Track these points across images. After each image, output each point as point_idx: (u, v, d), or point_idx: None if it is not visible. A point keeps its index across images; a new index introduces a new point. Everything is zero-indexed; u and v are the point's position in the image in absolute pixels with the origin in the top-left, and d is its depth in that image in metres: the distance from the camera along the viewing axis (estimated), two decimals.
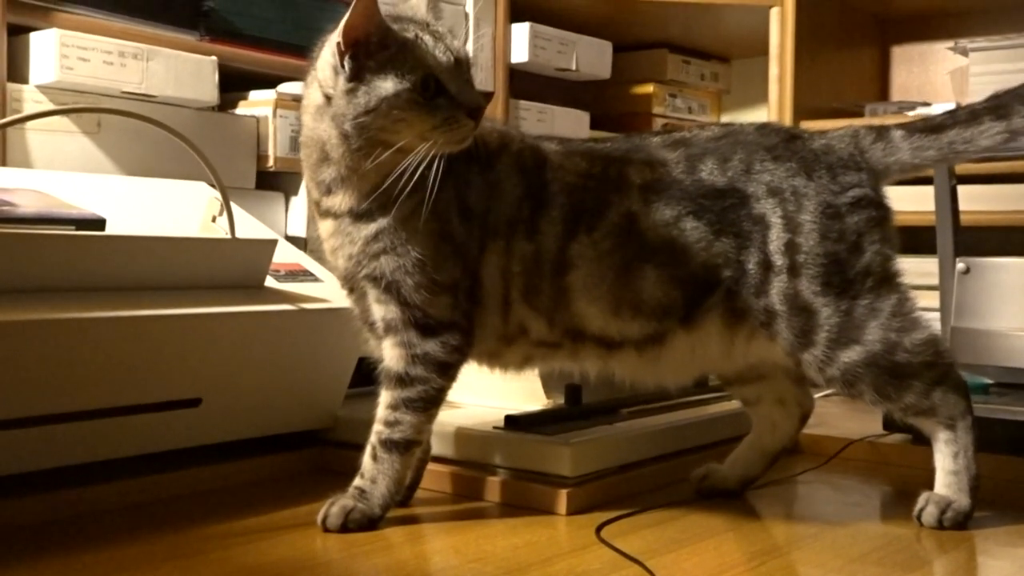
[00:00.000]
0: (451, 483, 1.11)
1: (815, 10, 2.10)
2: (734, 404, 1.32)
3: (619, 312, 0.98)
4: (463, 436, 1.12)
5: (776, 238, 0.97)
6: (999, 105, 1.01)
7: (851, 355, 0.97)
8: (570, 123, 2.13)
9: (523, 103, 2.05)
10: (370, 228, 0.95)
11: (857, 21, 2.27)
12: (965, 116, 1.02)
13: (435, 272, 0.94)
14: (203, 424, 1.09)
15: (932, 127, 1.02)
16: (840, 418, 1.50)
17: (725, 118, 2.59)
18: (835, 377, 0.98)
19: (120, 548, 0.90)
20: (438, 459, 1.12)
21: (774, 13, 2.09)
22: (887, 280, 0.99)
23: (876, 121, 2.07)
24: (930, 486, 1.02)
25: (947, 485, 0.99)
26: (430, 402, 0.97)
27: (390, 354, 0.97)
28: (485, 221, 0.97)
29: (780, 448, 1.13)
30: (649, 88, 2.37)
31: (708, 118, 2.54)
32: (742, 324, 0.99)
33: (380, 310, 0.97)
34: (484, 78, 1.98)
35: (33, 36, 1.37)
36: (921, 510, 1.00)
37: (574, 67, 2.10)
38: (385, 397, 0.97)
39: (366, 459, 0.98)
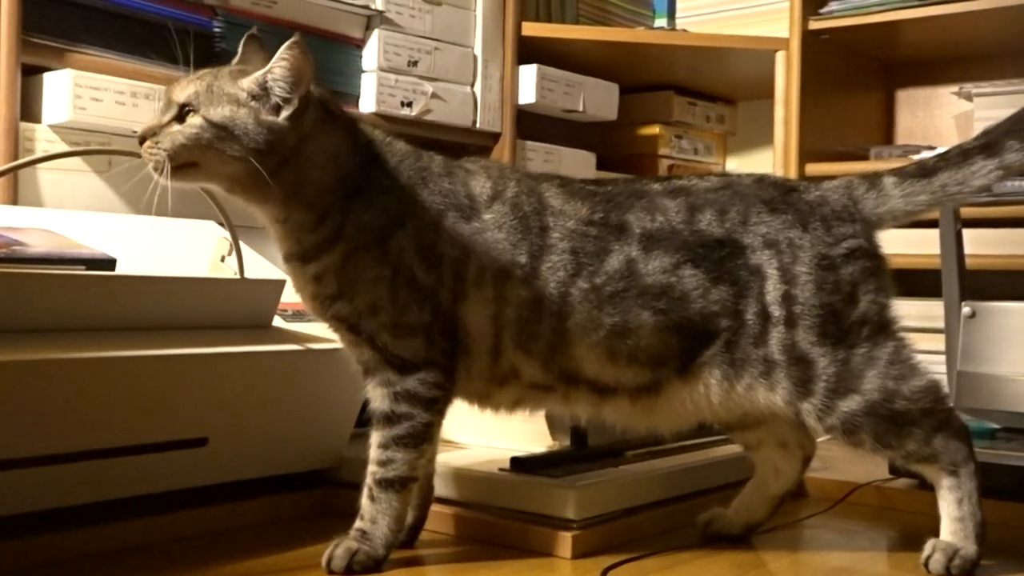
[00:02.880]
0: (456, 525, 1.11)
1: (821, 54, 2.12)
2: (739, 448, 1.32)
3: (615, 359, 0.98)
4: (468, 478, 1.12)
5: (773, 289, 0.97)
6: (989, 143, 1.01)
7: (850, 404, 0.97)
8: (577, 164, 2.15)
9: (530, 144, 2.06)
10: (313, 268, 0.97)
11: (862, 65, 2.29)
12: (956, 157, 1.02)
13: (398, 316, 0.96)
14: (209, 464, 1.09)
15: (923, 171, 1.02)
16: (845, 462, 1.49)
17: (731, 160, 2.61)
18: (835, 426, 0.98)
19: None
20: (443, 500, 1.12)
21: (780, 57, 2.11)
22: (883, 328, 0.99)
23: (881, 165, 2.08)
24: (937, 532, 1.01)
25: (953, 532, 0.99)
26: (420, 438, 0.97)
27: (374, 394, 0.98)
28: (463, 268, 0.97)
29: (784, 492, 1.12)
30: (655, 129, 2.39)
31: (714, 160, 2.56)
32: (741, 375, 0.98)
33: (355, 352, 0.99)
34: (492, 119, 1.99)
35: (47, 76, 1.39)
36: (928, 557, 0.99)
37: (581, 108, 2.12)
38: (376, 437, 0.98)
39: (364, 501, 0.98)
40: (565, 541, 1.04)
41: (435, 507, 1.11)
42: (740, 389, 0.99)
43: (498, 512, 1.09)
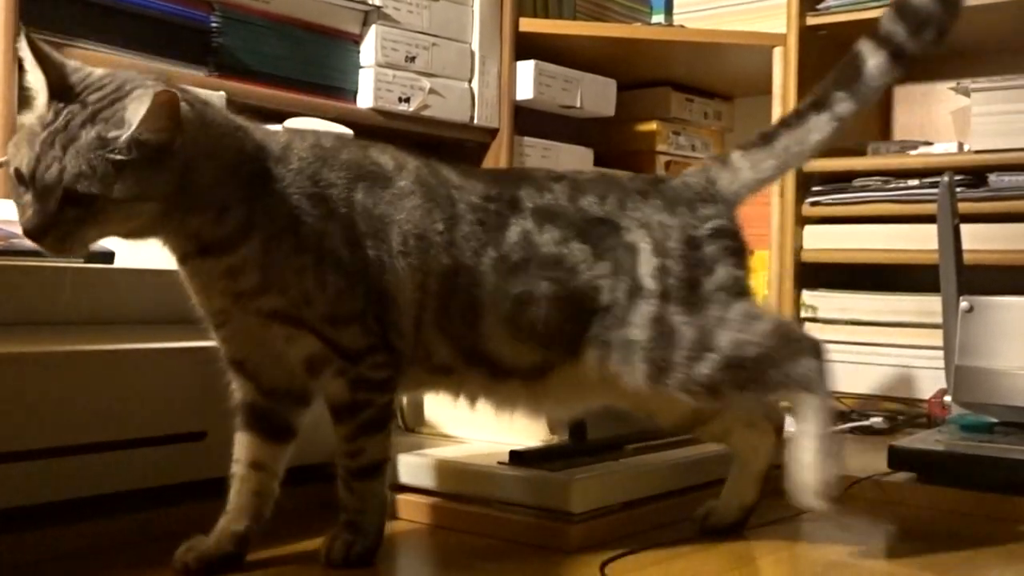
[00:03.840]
0: (455, 519, 1.11)
1: (818, 50, 2.12)
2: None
3: (518, 334, 0.99)
4: (467, 472, 1.12)
5: (647, 263, 1.01)
6: (818, 99, 1.06)
7: (708, 365, 0.99)
8: (574, 160, 2.15)
9: (527, 140, 2.06)
10: (227, 260, 0.92)
11: None
12: (792, 119, 1.08)
13: (332, 307, 0.94)
14: (208, 457, 1.09)
15: (765, 139, 1.07)
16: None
17: None
18: (699, 392, 1.00)
19: None
20: (442, 494, 1.12)
21: (777, 52, 2.11)
22: (739, 294, 1.03)
23: (879, 161, 2.08)
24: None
25: (811, 450, 1.00)
26: (385, 419, 0.97)
27: (333, 385, 0.96)
28: (387, 236, 0.96)
29: (767, 466, 1.13)
30: (653, 126, 2.39)
31: (711, 155, 2.56)
32: (610, 355, 1.00)
33: (294, 348, 0.95)
34: (489, 115, 1.99)
35: None
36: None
37: (579, 104, 2.12)
38: (341, 430, 0.96)
39: (343, 494, 0.97)
40: (565, 534, 1.04)
41: (434, 501, 1.11)
42: (611, 370, 1.00)
43: (497, 506, 1.09)
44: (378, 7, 1.80)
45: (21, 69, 1.36)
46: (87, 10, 1.44)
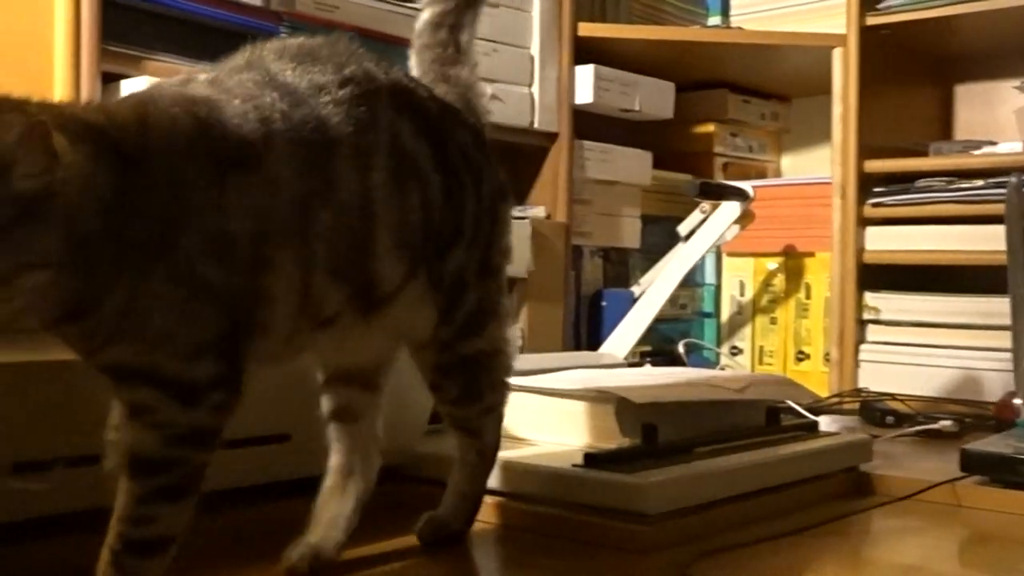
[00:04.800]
0: (528, 520, 1.12)
1: (878, 50, 2.11)
2: (808, 444, 1.33)
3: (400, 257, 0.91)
4: (540, 473, 1.14)
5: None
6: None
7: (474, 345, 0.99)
8: (633, 163, 2.16)
9: (587, 143, 2.08)
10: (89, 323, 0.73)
11: (920, 60, 2.28)
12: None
13: (192, 336, 0.75)
14: (292, 459, 1.12)
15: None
16: (912, 458, 1.50)
17: (785, 157, 2.60)
18: (452, 364, 0.98)
19: None
20: (514, 496, 1.14)
21: (837, 53, 2.10)
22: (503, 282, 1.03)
23: (940, 161, 2.07)
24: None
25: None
26: (194, 484, 0.78)
27: (140, 437, 0.75)
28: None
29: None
30: (710, 128, 2.39)
31: (768, 157, 2.56)
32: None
33: (126, 394, 0.76)
34: (548, 119, 2.01)
35: (124, 83, 1.43)
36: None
37: (637, 107, 2.13)
38: (132, 487, 0.75)
39: (105, 568, 0.76)
40: (640, 535, 1.05)
41: (506, 502, 1.13)
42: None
43: (571, 507, 1.10)
44: None
45: (107, 82, 1.40)
46: (163, 23, 1.48)
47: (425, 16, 1.05)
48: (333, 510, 0.99)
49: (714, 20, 2.47)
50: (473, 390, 1.01)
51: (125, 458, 0.76)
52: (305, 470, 1.13)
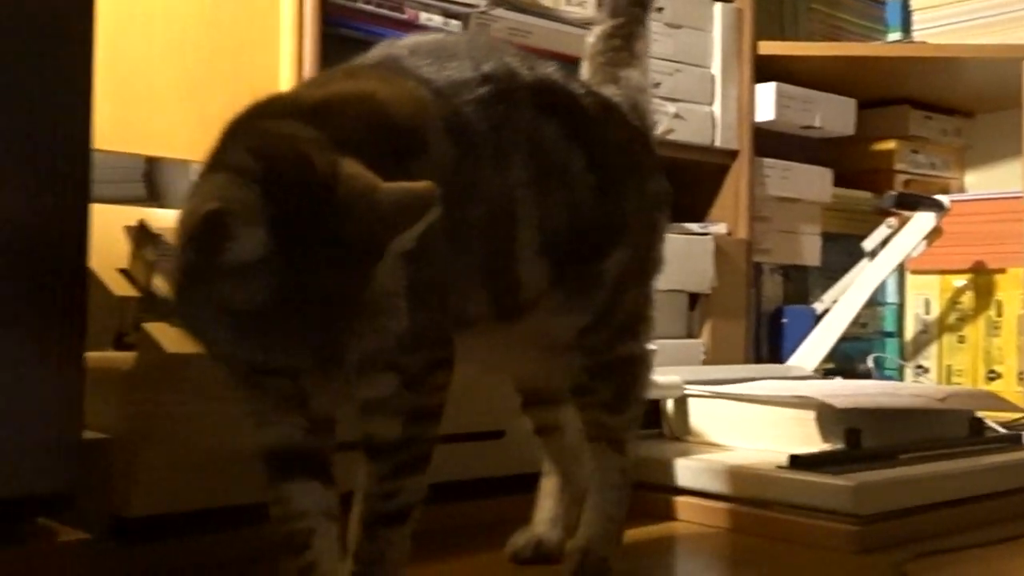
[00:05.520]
0: (733, 520, 1.16)
1: None
2: (1014, 455, 1.31)
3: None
4: (745, 475, 1.17)
5: None
6: None
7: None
8: (814, 180, 2.16)
9: (767, 160, 2.09)
10: None
11: None
12: None
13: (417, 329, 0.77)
14: (505, 456, 1.18)
15: None
16: None
17: (969, 174, 2.55)
18: (606, 366, 0.96)
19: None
20: (720, 497, 1.17)
21: None
22: None
23: None
24: None
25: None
26: (429, 456, 0.84)
27: (380, 424, 0.81)
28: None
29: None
30: (891, 144, 2.37)
31: (951, 174, 2.51)
32: None
33: (366, 390, 0.80)
34: (729, 137, 2.04)
35: None
36: None
37: (818, 124, 2.13)
38: (377, 468, 0.81)
39: (360, 541, 0.81)
40: (849, 536, 1.07)
41: (711, 504, 1.16)
42: None
43: (778, 508, 1.13)
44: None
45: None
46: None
47: (600, 29, 1.08)
48: (551, 509, 1.04)
49: (894, 36, 2.44)
50: (626, 395, 0.98)
51: (365, 447, 0.81)
52: (518, 467, 1.20)
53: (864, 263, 2.07)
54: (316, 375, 0.70)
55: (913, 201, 2.04)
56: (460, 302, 0.84)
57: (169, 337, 0.95)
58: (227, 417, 0.91)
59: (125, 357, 0.98)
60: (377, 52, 0.88)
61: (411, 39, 0.89)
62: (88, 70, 0.82)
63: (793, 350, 1.93)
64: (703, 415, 1.36)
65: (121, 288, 1.05)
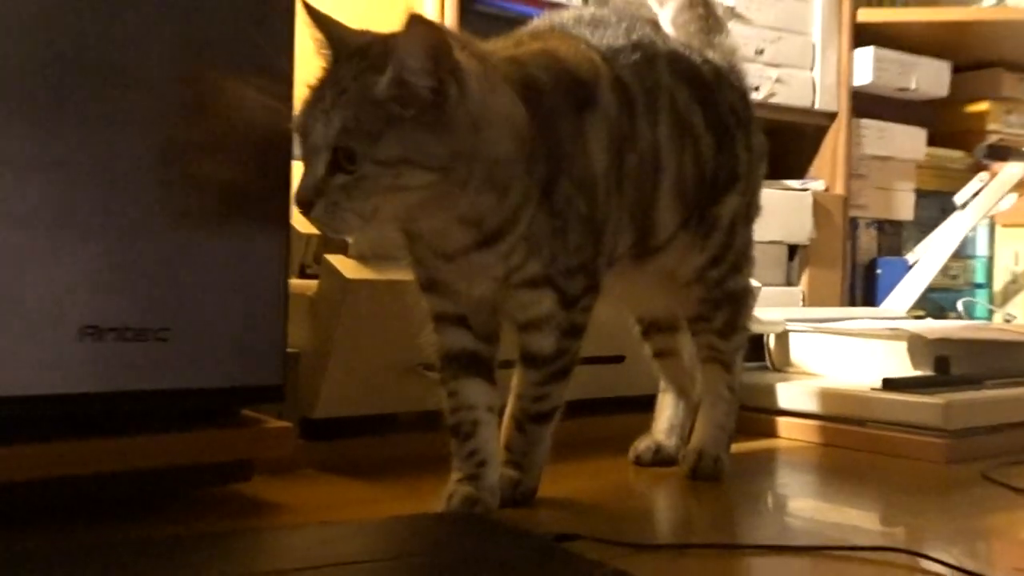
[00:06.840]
0: (832, 437, 1.29)
1: None
2: None
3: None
4: (841, 396, 1.30)
5: None
6: None
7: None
8: (908, 140, 2.26)
9: (864, 121, 2.20)
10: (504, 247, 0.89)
11: None
12: None
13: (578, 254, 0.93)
14: (625, 379, 1.33)
15: None
16: None
17: None
18: (720, 298, 1.09)
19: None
20: (818, 416, 1.31)
21: None
22: None
23: None
24: None
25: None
26: (574, 366, 0.97)
27: (541, 340, 0.94)
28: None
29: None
30: (984, 106, 2.44)
31: None
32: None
33: (533, 310, 0.93)
34: (828, 100, 2.15)
35: None
36: None
37: (913, 86, 2.23)
38: (530, 376, 0.95)
39: (511, 435, 0.96)
40: (938, 448, 1.19)
41: (811, 423, 1.30)
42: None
43: (872, 425, 1.26)
44: (731, 7, 2.01)
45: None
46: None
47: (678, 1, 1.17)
48: (669, 420, 1.19)
49: (988, 0, 2.50)
50: (736, 323, 1.11)
51: (524, 358, 0.95)
52: (636, 389, 1.35)
53: (956, 215, 2.17)
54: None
55: (1004, 152, 2.13)
56: (611, 240, 0.97)
57: (347, 266, 1.11)
58: (397, 335, 1.07)
59: (309, 284, 1.15)
60: (543, 22, 1.03)
61: (570, 12, 1.04)
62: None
63: (886, 300, 2.04)
64: (802, 348, 1.49)
65: (304, 226, 1.22)
